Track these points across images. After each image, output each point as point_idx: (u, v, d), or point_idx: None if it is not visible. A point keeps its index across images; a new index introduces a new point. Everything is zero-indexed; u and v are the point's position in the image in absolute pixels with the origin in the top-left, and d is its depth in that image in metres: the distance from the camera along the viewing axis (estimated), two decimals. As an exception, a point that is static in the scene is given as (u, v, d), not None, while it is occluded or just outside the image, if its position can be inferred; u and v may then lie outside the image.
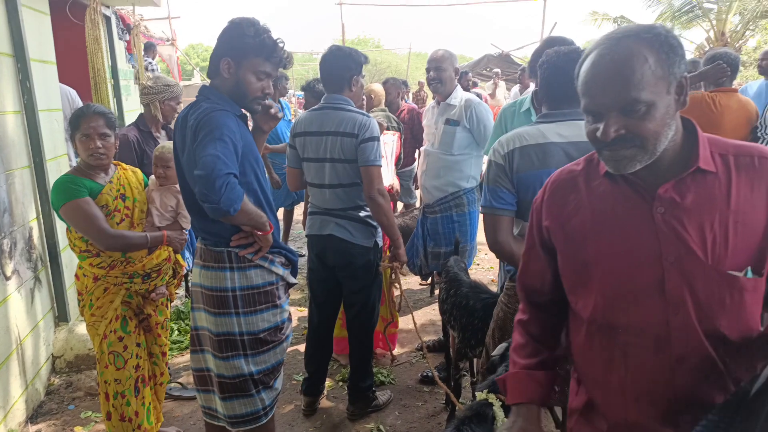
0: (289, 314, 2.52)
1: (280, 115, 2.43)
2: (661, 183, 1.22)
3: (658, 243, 1.21)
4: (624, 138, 1.15)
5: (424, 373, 3.74)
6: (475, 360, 2.99)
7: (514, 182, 2.06)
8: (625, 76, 1.12)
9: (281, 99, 5.86)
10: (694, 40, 20.81)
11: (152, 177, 2.93)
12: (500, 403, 1.58)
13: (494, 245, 2.19)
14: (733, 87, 3.92)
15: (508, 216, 2.10)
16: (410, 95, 14.93)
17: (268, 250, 2.33)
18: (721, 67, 3.64)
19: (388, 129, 4.70)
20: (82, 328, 3.90)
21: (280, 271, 2.38)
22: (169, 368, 3.18)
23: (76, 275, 2.75)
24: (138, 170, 2.90)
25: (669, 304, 1.21)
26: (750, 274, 1.19)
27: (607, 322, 1.28)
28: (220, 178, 1.98)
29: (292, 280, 2.48)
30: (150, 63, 9.01)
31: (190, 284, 4.21)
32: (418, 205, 5.40)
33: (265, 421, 2.37)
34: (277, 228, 2.43)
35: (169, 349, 4.25)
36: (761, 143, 3.45)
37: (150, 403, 2.86)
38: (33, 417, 3.41)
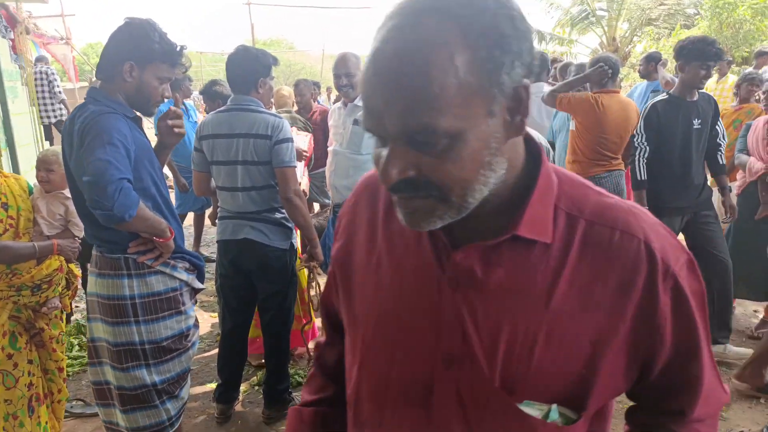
0: (196, 320, 2.47)
1: (183, 132, 2.38)
2: (470, 241, 0.80)
3: (436, 333, 0.82)
4: (414, 183, 0.71)
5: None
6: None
7: None
8: (414, 88, 0.66)
9: (185, 101, 5.69)
10: (589, 45, 22.39)
11: (36, 183, 2.76)
12: None
13: None
14: (616, 88, 4.27)
15: None
16: (326, 96, 14.93)
17: (170, 256, 2.27)
18: (602, 69, 3.96)
19: (299, 129, 4.70)
20: None
21: (184, 276, 2.33)
22: (69, 385, 3.00)
23: None
24: (21, 177, 2.72)
25: (432, 425, 0.84)
26: (555, 417, 0.79)
27: (366, 408, 0.92)
28: (112, 184, 1.91)
29: (198, 285, 2.43)
30: (47, 69, 8.44)
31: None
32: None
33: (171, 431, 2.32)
34: (180, 233, 2.37)
35: (70, 366, 4.02)
36: (638, 152, 3.71)
37: (47, 423, 2.70)
38: None
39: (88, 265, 2.46)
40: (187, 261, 2.36)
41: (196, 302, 2.47)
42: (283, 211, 3.09)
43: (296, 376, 3.74)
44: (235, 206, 3.03)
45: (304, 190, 4.47)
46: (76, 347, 4.36)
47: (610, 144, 4.05)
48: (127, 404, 2.24)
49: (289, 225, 3.14)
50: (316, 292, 3.49)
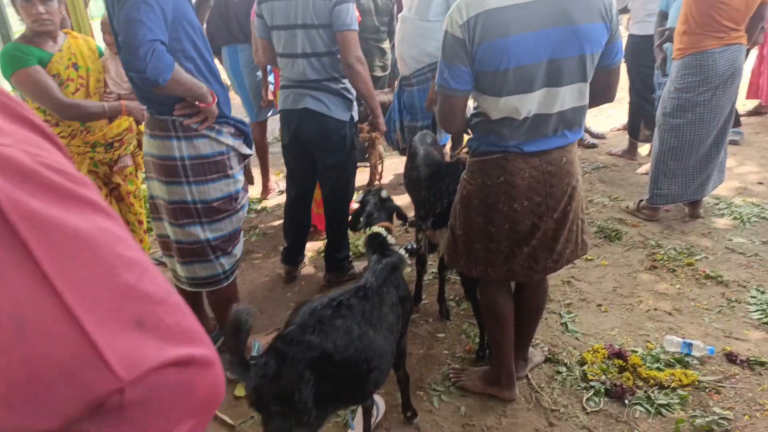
0: (245, 184, 2.54)
1: None
2: None
3: None
4: None
5: (405, 245, 3.83)
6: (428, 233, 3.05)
7: (474, 56, 1.90)
8: None
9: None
10: None
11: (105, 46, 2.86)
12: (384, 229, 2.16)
13: (445, 126, 2.16)
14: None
15: (464, 97, 2.02)
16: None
17: (216, 121, 2.29)
18: None
19: None
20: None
21: (230, 141, 2.36)
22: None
23: None
24: (90, 39, 2.81)
25: None
26: None
27: None
28: (144, 45, 1.88)
29: (246, 150, 2.47)
30: None
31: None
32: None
33: (225, 284, 2.48)
34: (224, 98, 2.36)
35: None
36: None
37: None
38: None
39: (143, 126, 2.58)
40: (232, 126, 2.37)
41: (243, 167, 2.52)
42: (344, 81, 3.00)
43: (355, 248, 3.86)
44: (295, 74, 2.97)
45: None
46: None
47: (732, 11, 3.41)
48: (185, 256, 2.41)
49: (350, 96, 3.05)
50: (375, 162, 3.45)
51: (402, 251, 2.21)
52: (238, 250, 2.55)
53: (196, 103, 2.20)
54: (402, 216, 2.50)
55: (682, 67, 3.74)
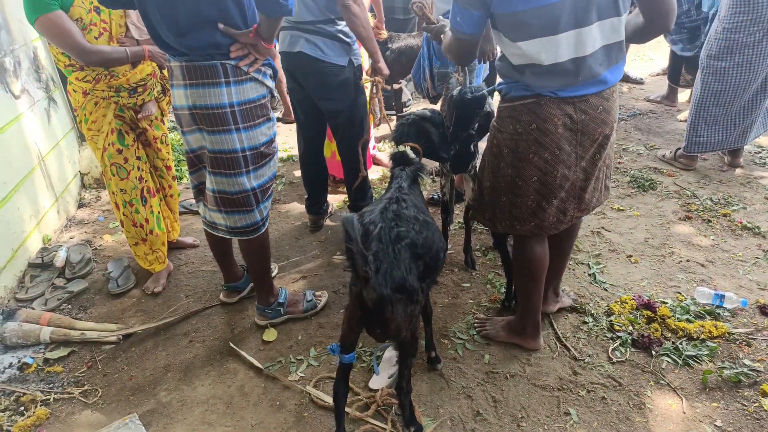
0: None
1: None
2: None
3: None
4: None
5: (432, 195, 3.79)
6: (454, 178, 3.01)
7: None
8: None
9: None
10: None
11: None
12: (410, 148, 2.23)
13: (457, 60, 2.17)
14: None
15: (475, 40, 1.99)
16: None
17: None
18: None
19: None
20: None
21: (270, 83, 2.32)
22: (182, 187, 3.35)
23: (67, 91, 2.80)
24: None
25: None
26: None
27: None
28: None
29: (276, 92, 2.44)
30: None
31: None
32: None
33: (263, 230, 2.50)
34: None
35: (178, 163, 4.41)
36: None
37: (159, 213, 3.07)
38: (67, 226, 3.76)
39: (167, 77, 2.53)
40: (271, 67, 2.33)
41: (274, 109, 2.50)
42: (341, 23, 2.88)
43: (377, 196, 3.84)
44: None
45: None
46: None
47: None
48: (227, 206, 2.39)
49: (348, 39, 2.94)
50: (378, 108, 3.38)
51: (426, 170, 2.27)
52: (272, 195, 2.54)
53: (261, 42, 2.15)
54: (430, 141, 2.38)
55: (732, 4, 3.50)
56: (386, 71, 3.11)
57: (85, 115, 2.77)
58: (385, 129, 5.18)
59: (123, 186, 2.89)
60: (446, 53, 2.17)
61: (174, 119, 2.44)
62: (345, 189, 3.45)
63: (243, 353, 2.47)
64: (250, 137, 2.27)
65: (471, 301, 2.79)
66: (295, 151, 4.84)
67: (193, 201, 3.92)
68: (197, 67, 2.16)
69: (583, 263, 3.04)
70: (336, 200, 3.97)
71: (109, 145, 2.80)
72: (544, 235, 2.24)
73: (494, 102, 2.55)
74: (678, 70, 5.05)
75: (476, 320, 2.61)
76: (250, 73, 2.20)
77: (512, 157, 2.07)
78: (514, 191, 2.12)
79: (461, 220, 3.24)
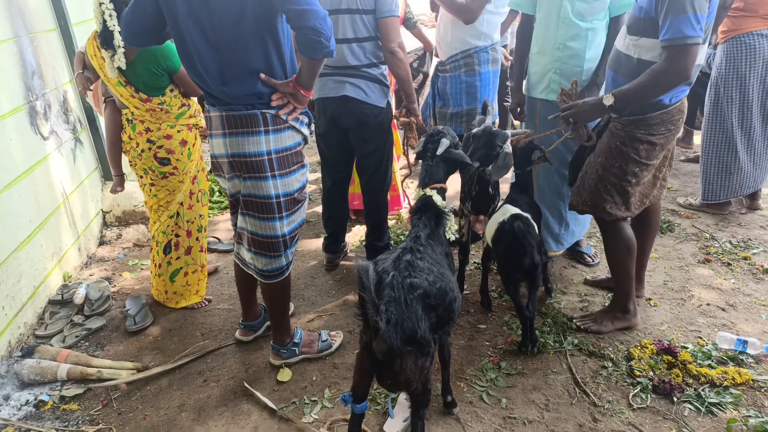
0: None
1: None
2: None
3: None
4: None
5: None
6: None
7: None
8: None
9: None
10: None
11: None
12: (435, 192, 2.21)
13: (685, 77, 2.19)
14: None
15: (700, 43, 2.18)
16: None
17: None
18: None
19: None
20: (129, 186, 4.18)
21: (306, 131, 2.38)
22: (209, 225, 3.42)
23: (167, 136, 2.87)
24: None
25: None
26: None
27: None
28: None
29: (309, 139, 2.50)
30: None
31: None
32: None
33: (286, 274, 2.53)
34: None
35: (211, 209, 4.54)
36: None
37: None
38: (87, 263, 3.82)
39: (203, 128, 2.68)
40: (307, 116, 2.39)
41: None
42: (382, 66, 3.00)
43: (399, 236, 3.86)
44: (336, 60, 2.96)
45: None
46: (217, 192, 4.88)
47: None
48: (258, 248, 2.43)
49: (386, 82, 3.05)
50: (415, 143, 3.44)
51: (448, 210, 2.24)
52: (298, 241, 2.57)
53: (300, 90, 2.20)
54: (467, 165, 2.37)
55: (725, 51, 3.56)
56: (419, 113, 3.22)
57: (189, 148, 2.95)
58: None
59: (203, 212, 3.12)
60: (680, 81, 2.21)
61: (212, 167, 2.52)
62: (365, 221, 3.50)
63: (257, 394, 2.46)
64: (285, 184, 2.33)
65: (487, 343, 2.76)
66: (311, 191, 4.92)
67: (212, 239, 4.00)
68: (237, 117, 2.22)
69: (601, 305, 3.00)
70: (352, 240, 4.00)
71: (199, 171, 3.03)
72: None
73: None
74: (693, 112, 5.08)
75: (578, 321, 2.80)
76: (288, 122, 2.26)
77: (656, 152, 2.44)
78: (638, 182, 2.50)
79: (477, 261, 3.24)
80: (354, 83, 2.98)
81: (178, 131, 2.88)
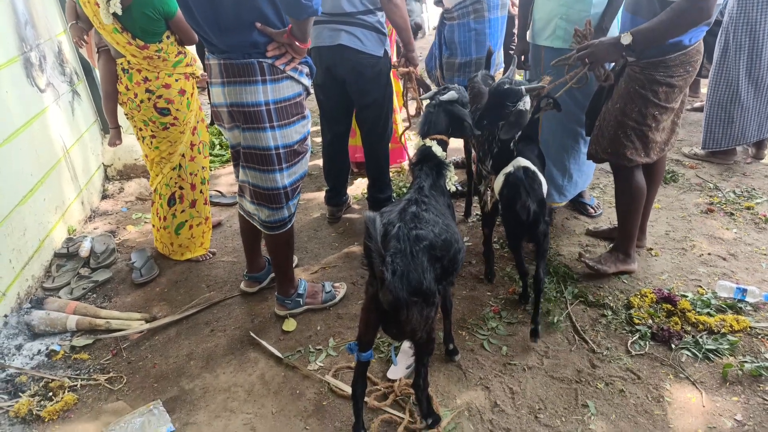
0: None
1: None
2: None
3: None
4: None
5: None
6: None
7: None
8: None
9: None
10: None
11: None
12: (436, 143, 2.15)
13: (707, 15, 2.16)
14: None
15: None
16: None
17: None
18: None
19: None
20: (128, 140, 4.15)
21: (306, 81, 2.33)
22: (211, 179, 3.41)
23: (166, 85, 2.82)
24: None
25: None
26: None
27: None
28: None
29: (311, 90, 2.45)
30: None
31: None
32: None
33: (289, 226, 2.54)
34: None
35: (212, 162, 4.52)
36: None
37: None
38: (91, 217, 3.84)
39: (201, 79, 2.63)
40: (308, 66, 2.34)
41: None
42: (379, 13, 2.91)
43: (398, 191, 3.85)
44: (330, 7, 2.87)
45: None
46: (218, 146, 4.85)
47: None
48: (259, 200, 2.43)
49: (384, 30, 2.96)
50: (412, 96, 3.38)
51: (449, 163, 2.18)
52: (300, 193, 2.56)
53: (296, 43, 2.15)
54: (467, 127, 2.27)
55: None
56: (417, 61, 3.13)
57: (188, 98, 2.91)
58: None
59: (205, 164, 3.11)
60: (684, 26, 2.18)
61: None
62: (367, 174, 3.47)
63: (263, 343, 2.51)
64: (285, 135, 2.30)
65: (489, 293, 2.80)
66: (312, 144, 4.88)
67: (214, 192, 4.00)
68: (235, 65, 2.18)
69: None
70: (354, 192, 3.99)
71: (198, 122, 3.00)
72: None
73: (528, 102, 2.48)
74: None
75: (586, 259, 2.85)
76: (286, 72, 2.22)
77: (675, 95, 2.45)
78: (657, 127, 2.52)
79: (479, 213, 3.24)
80: (350, 31, 2.90)
81: (176, 80, 2.83)
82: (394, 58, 3.76)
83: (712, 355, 2.30)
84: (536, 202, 2.29)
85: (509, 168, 2.39)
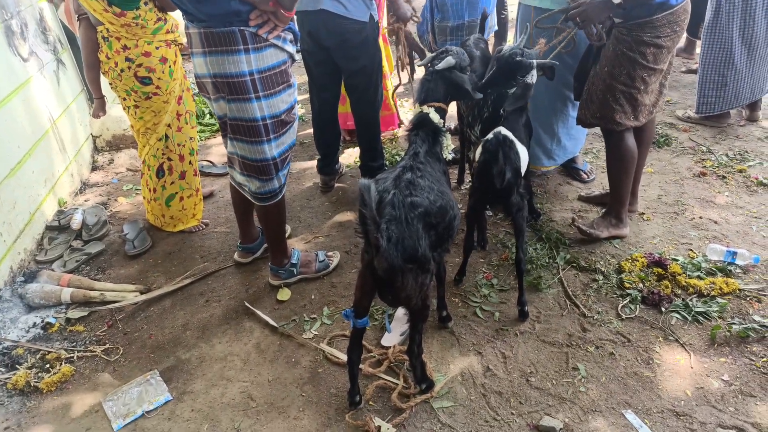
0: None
1: None
2: None
3: None
4: None
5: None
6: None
7: None
8: None
9: None
10: None
11: None
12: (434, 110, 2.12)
13: None
14: None
15: None
16: None
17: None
18: None
19: None
20: (116, 110, 4.09)
21: (291, 49, 2.27)
22: (201, 150, 3.36)
23: (146, 53, 2.74)
24: None
25: None
26: None
27: None
28: None
29: (297, 56, 2.40)
30: None
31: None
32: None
33: (280, 196, 2.52)
34: None
35: (202, 132, 4.47)
36: None
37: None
38: (81, 189, 3.80)
39: (186, 47, 2.53)
40: (292, 32, 2.28)
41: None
42: None
43: (391, 158, 3.82)
44: None
45: None
46: (207, 115, 4.78)
47: None
48: (249, 171, 2.41)
49: None
50: (403, 54, 3.31)
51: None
52: (290, 163, 2.54)
53: (280, 10, 2.09)
54: (466, 93, 2.25)
55: None
56: (407, 16, 3.04)
57: (170, 66, 2.82)
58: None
59: (193, 134, 3.06)
60: None
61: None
62: (358, 142, 3.43)
63: (258, 312, 2.53)
64: (271, 105, 2.25)
65: (481, 260, 2.81)
66: (303, 112, 4.82)
67: (205, 162, 3.96)
68: (215, 34, 2.11)
69: (594, 221, 3.03)
70: (347, 161, 3.97)
71: (184, 91, 2.93)
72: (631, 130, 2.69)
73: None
74: (695, 21, 4.90)
75: (579, 224, 2.86)
76: (269, 40, 2.15)
77: (663, 56, 2.44)
78: (646, 89, 2.52)
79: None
80: None
81: (157, 48, 2.75)
82: (384, 23, 3.67)
83: (702, 318, 2.33)
84: (511, 171, 2.26)
85: (489, 135, 2.36)
